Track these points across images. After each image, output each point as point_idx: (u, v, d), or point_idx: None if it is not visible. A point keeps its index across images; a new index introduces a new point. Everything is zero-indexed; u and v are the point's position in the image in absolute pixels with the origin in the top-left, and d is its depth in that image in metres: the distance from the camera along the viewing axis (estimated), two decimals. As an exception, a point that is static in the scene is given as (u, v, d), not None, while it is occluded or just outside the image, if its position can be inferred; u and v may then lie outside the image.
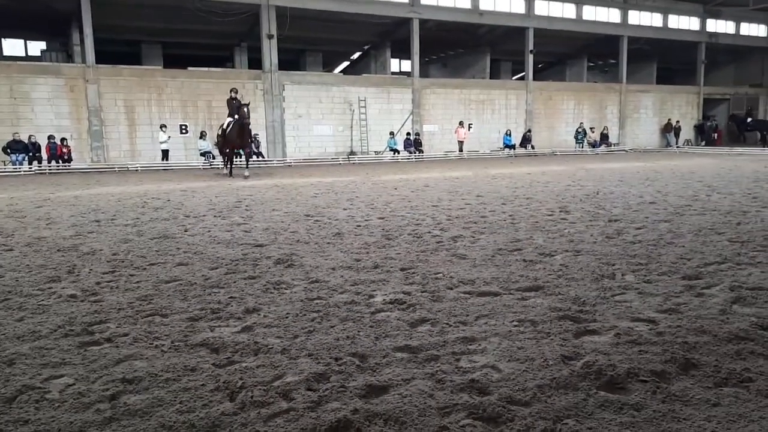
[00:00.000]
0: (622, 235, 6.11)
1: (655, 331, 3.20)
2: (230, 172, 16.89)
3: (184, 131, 22.70)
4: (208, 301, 3.92)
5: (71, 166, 20.32)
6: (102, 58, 21.93)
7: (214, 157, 22.62)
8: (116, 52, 25.49)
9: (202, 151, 22.51)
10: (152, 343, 3.15)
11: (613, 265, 4.76)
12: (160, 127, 21.97)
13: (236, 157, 18.98)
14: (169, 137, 21.90)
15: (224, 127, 16.93)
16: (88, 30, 21.09)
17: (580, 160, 23.10)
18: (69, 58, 25.80)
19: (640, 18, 32.51)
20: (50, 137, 20.17)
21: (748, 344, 3.00)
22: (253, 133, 23.61)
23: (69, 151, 20.68)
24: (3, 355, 2.99)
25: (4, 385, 2.63)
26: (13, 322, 3.55)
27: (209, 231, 6.93)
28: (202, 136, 22.58)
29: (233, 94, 17.06)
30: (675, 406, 2.37)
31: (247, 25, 25.38)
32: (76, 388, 2.60)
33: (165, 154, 22.06)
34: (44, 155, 20.35)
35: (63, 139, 20.50)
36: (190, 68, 23.58)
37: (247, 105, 16.17)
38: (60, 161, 20.42)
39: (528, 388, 2.53)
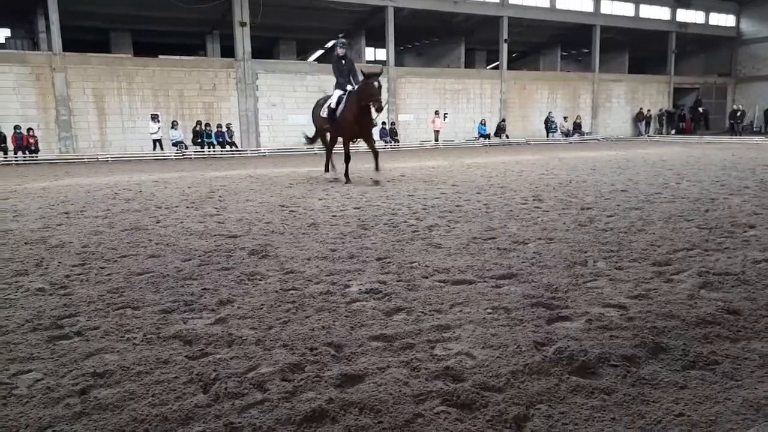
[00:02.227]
0: (594, 223, 6.19)
1: (625, 316, 3.26)
2: (346, 174, 11.06)
3: (156, 121, 22.29)
4: (180, 293, 3.88)
5: (38, 157, 19.85)
6: (69, 45, 21.38)
7: (186, 147, 22.31)
8: (84, 39, 24.91)
9: (174, 141, 22.17)
10: (124, 336, 3.10)
11: (585, 252, 4.83)
12: (152, 117, 21.63)
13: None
14: (160, 127, 21.55)
15: (332, 105, 10.86)
16: (54, 17, 20.54)
17: (553, 149, 23.34)
18: (35, 45, 25.15)
19: (612, 8, 32.86)
20: (16, 127, 19.67)
21: (715, 328, 3.07)
22: (226, 123, 23.49)
23: (36, 142, 20.20)
24: (-32, 351, 2.92)
25: (-31, 382, 2.57)
26: (-21, 316, 3.46)
27: (182, 222, 6.84)
28: (174, 125, 22.22)
29: (341, 51, 11.01)
30: (644, 390, 2.42)
31: (219, 13, 24.96)
32: (45, 383, 2.55)
33: (157, 143, 21.75)
34: (10, 146, 19.84)
35: (30, 129, 20.00)
36: (161, 56, 23.15)
37: (378, 75, 10.13)
38: (27, 152, 19.93)
39: (501, 374, 2.55)
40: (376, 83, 9.90)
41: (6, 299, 3.80)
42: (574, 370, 2.59)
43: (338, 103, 10.73)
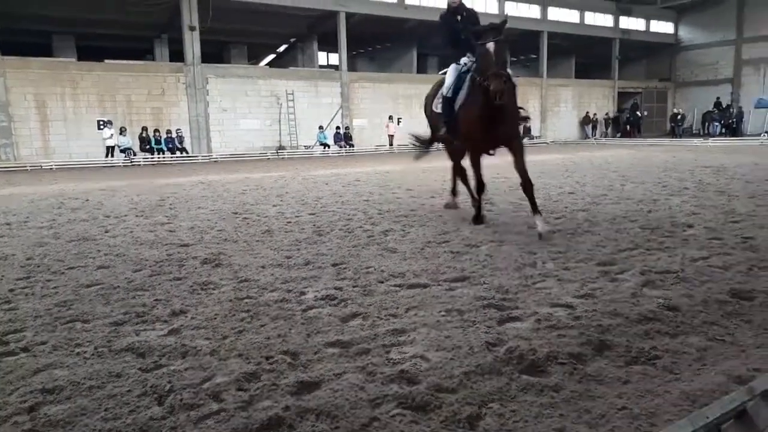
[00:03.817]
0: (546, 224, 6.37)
1: (572, 315, 3.39)
2: (478, 212, 6.72)
3: (103, 126, 21.64)
4: (132, 305, 3.81)
5: (-23, 166, 18.99)
6: (8, 49, 20.56)
7: (135, 154, 21.77)
8: (24, 43, 23.97)
9: (122, 148, 21.59)
10: (73, 351, 3.03)
11: (535, 254, 4.98)
12: (105, 123, 21.02)
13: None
14: (112, 134, 20.95)
15: (446, 92, 6.63)
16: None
17: (503, 153, 23.79)
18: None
19: (558, 14, 33.83)
20: (-49, 134, 18.78)
21: (656, 324, 3.23)
22: (176, 129, 23.02)
23: (-26, 150, 19.31)
24: None
25: None
26: None
27: (131, 232, 6.69)
28: (122, 132, 21.65)
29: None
30: (590, 386, 2.53)
31: (167, 16, 24.50)
32: (-10, 402, 2.48)
33: (110, 150, 21.14)
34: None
35: (-34, 137, 19.12)
36: (107, 61, 22.52)
37: (498, 29, 5.71)
38: (-36, 160, 19.04)
39: (455, 375, 2.62)
40: (491, 46, 5.54)
41: (-55, 316, 3.65)
42: (524, 369, 2.68)
43: (457, 88, 6.39)
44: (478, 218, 6.62)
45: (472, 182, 6.85)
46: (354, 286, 4.14)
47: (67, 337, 3.23)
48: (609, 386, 2.52)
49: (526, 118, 6.59)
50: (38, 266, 5.02)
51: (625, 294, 3.78)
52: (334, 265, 4.81)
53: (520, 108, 6.48)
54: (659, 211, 7.13)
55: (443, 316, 3.45)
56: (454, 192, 8.01)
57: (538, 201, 6.07)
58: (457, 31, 6.57)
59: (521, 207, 7.79)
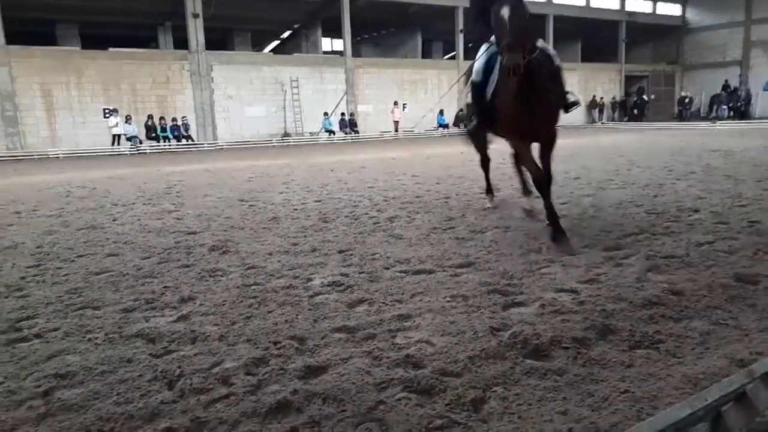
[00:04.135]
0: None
1: (576, 300, 3.41)
2: (554, 223, 4.85)
3: (108, 115, 21.68)
4: (141, 292, 3.86)
5: (-16, 155, 19.11)
6: (12, 38, 20.57)
7: (141, 142, 21.83)
8: (28, 32, 23.96)
9: (128, 136, 21.66)
10: (85, 337, 3.09)
11: (540, 239, 4.99)
12: (111, 111, 21.08)
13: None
14: (117, 123, 21.02)
15: (475, 78, 5.47)
16: (-5, 8, 19.74)
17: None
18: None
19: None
20: (-42, 124, 18.88)
21: (660, 308, 3.25)
22: (181, 116, 23.03)
23: (-19, 139, 19.43)
24: None
25: (-74, 389, 2.53)
26: (-69, 322, 3.38)
27: (139, 219, 6.75)
28: (128, 120, 21.70)
29: None
30: (594, 369, 2.56)
31: (170, 4, 24.41)
32: (5, 386, 2.53)
33: (116, 138, 21.22)
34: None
35: (-27, 126, 19.22)
36: (111, 49, 22.51)
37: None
38: (-29, 149, 19.16)
39: (459, 359, 2.66)
40: (505, 11, 4.35)
41: (-41, 304, 3.72)
42: (528, 354, 2.72)
43: (488, 71, 5.28)
44: (557, 229, 4.80)
45: (527, 177, 6.13)
46: (360, 273, 4.17)
47: (78, 324, 3.29)
48: (612, 370, 2.55)
49: (574, 104, 5.26)
50: (48, 254, 5.09)
51: (630, 279, 3.80)
52: (340, 251, 4.85)
53: (568, 92, 5.29)
54: (665, 196, 7.11)
55: (448, 301, 3.48)
56: (489, 190, 6.91)
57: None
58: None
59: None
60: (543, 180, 4.89)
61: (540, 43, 4.95)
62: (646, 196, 7.13)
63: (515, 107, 4.80)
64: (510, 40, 4.25)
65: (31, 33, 24.04)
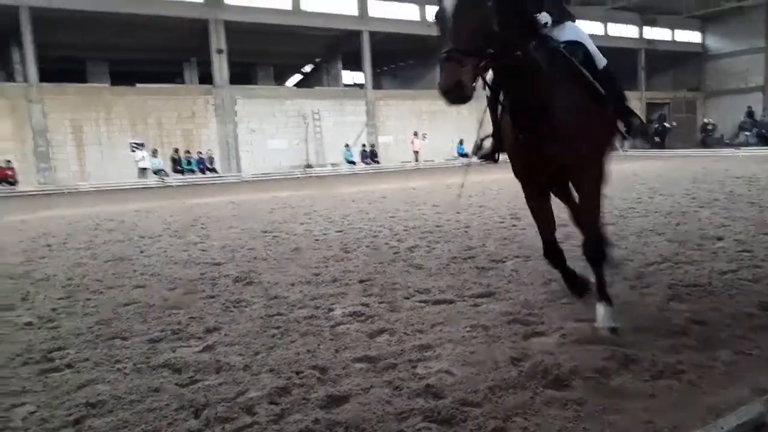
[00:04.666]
0: (570, 240, 6.36)
1: (597, 330, 3.40)
2: (567, 276, 3.99)
3: (135, 149, 22.26)
4: (168, 323, 3.95)
5: (16, 190, 19.69)
6: (45, 76, 21.36)
7: (167, 175, 22.31)
8: (60, 69, 24.86)
9: (154, 169, 22.17)
10: (114, 367, 3.17)
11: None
12: (138, 146, 21.67)
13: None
14: (144, 156, 21.58)
15: (486, 90, 3.57)
16: (29, 48, 20.57)
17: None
18: (10, 77, 25.02)
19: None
20: (-7, 160, 19.53)
21: (682, 338, 3.23)
22: (206, 150, 23.49)
23: (14, 174, 20.05)
24: (-40, 387, 2.97)
25: (-37, 417, 2.63)
26: (-32, 353, 3.51)
27: (165, 251, 6.90)
28: (155, 153, 22.24)
29: None
30: (615, 400, 2.55)
31: (196, 40, 25.18)
32: (38, 415, 2.62)
33: (143, 172, 21.76)
34: (-12, 178, 19.70)
35: (7, 161, 19.86)
36: (138, 85, 23.22)
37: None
38: (5, 184, 19.77)
39: (480, 390, 2.68)
40: (448, 3, 2.80)
41: (-6, 335, 3.85)
42: (549, 384, 2.72)
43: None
44: (575, 284, 3.96)
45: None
46: (380, 303, 4.22)
47: (107, 354, 3.38)
48: (634, 400, 2.55)
49: (633, 122, 3.74)
50: (78, 286, 5.23)
51: (652, 308, 3.78)
52: (360, 281, 4.90)
53: (633, 114, 3.84)
54: (688, 224, 7.05)
55: (468, 331, 3.50)
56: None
57: (564, 215, 4.48)
58: None
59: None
60: (592, 247, 3.46)
61: (550, 27, 3.44)
62: (668, 224, 7.07)
63: (510, 137, 3.46)
64: (449, 48, 2.67)
65: (64, 71, 24.95)
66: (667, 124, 35.89)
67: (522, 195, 3.82)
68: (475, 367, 2.94)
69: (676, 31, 38.09)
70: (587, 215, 3.57)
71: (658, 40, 37.05)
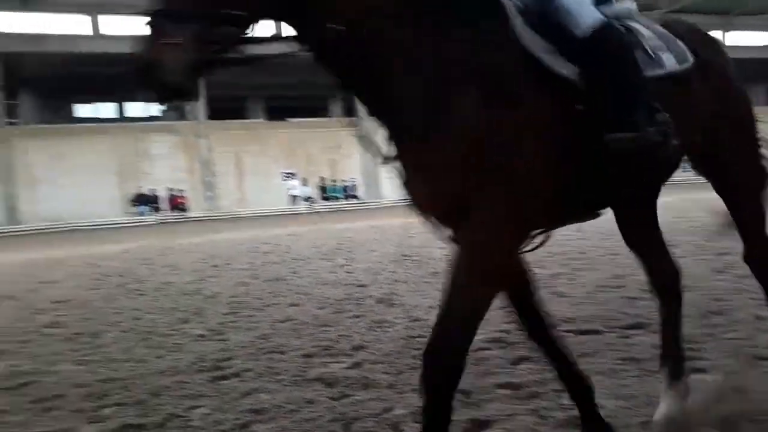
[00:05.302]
0: (734, 269, 5.83)
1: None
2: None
3: (287, 178, 24.03)
4: (319, 339, 4.24)
5: (187, 215, 22.07)
6: (211, 113, 23.87)
7: (315, 202, 23.78)
8: (224, 108, 27.63)
9: (305, 197, 23.76)
10: (274, 378, 3.48)
11: (723, 300, 4.60)
12: (289, 175, 23.57)
13: None
14: (295, 185, 23.41)
15: None
16: (201, 90, 23.13)
17: (683, 190, 21.87)
18: (182, 116, 28.31)
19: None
20: (170, 189, 22.11)
21: None
22: (350, 177, 24.66)
23: (185, 201, 22.53)
24: (150, 388, 3.43)
25: (155, 413, 3.04)
26: (155, 359, 4.04)
27: (316, 272, 7.37)
28: (305, 182, 23.85)
29: None
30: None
31: (341, 76, 26.65)
32: (213, 417, 2.95)
33: (294, 199, 23.65)
34: (165, 206, 22.32)
35: (180, 190, 22.40)
36: (289, 120, 25.10)
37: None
38: (177, 210, 22.27)
39: (631, 424, 2.57)
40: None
41: (175, 344, 4.39)
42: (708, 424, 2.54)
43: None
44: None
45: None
46: (521, 330, 4.16)
47: (268, 366, 3.71)
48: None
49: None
50: (241, 303, 5.78)
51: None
52: (500, 308, 4.85)
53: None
54: None
55: (618, 364, 3.36)
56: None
57: (725, 242, 4.27)
58: None
59: (706, 249, 7.18)
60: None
61: None
62: None
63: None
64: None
65: (227, 109, 27.70)
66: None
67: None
68: (627, 401, 2.82)
69: None
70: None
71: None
